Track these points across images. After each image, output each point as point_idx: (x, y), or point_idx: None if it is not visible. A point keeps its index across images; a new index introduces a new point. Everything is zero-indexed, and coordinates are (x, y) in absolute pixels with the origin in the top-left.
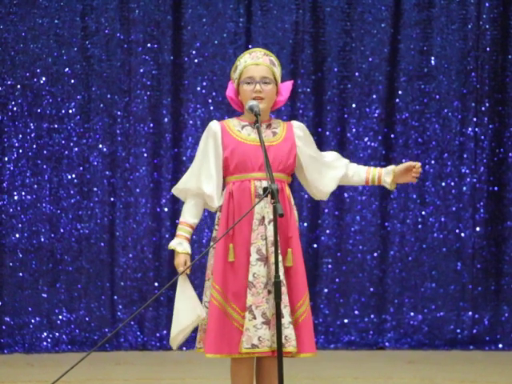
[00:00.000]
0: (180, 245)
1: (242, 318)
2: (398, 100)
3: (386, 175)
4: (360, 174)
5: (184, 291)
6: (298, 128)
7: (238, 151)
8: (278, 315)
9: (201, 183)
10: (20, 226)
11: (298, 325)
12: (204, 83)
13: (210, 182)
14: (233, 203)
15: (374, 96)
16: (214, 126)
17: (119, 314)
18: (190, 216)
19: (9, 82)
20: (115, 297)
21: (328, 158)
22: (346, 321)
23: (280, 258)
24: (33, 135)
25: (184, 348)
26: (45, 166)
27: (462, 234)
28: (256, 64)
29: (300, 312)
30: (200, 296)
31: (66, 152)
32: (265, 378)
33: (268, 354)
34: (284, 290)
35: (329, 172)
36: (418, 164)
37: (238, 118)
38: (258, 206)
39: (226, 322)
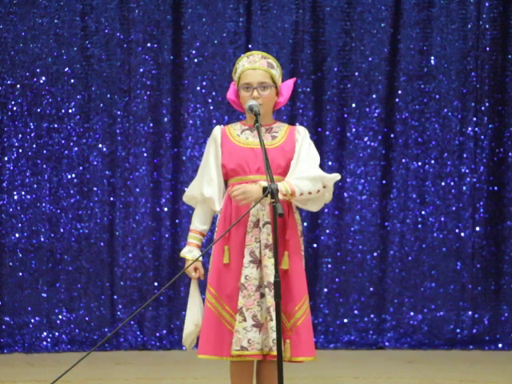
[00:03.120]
0: (190, 252)
1: (235, 320)
2: (397, 100)
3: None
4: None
5: (193, 296)
6: (299, 133)
7: (235, 156)
8: (278, 315)
9: (202, 188)
10: (20, 225)
11: (296, 329)
12: (204, 83)
13: (210, 186)
14: (231, 205)
15: (374, 96)
16: (216, 131)
17: (119, 313)
18: (198, 223)
19: (8, 82)
20: (115, 296)
21: (296, 169)
22: (345, 320)
23: (272, 260)
24: (33, 135)
25: (184, 348)
26: (44, 166)
27: (462, 234)
28: (253, 68)
29: (298, 316)
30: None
31: (66, 152)
32: (264, 380)
33: (258, 358)
34: None
35: (301, 167)
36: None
37: (241, 122)
38: (254, 209)
39: (218, 324)
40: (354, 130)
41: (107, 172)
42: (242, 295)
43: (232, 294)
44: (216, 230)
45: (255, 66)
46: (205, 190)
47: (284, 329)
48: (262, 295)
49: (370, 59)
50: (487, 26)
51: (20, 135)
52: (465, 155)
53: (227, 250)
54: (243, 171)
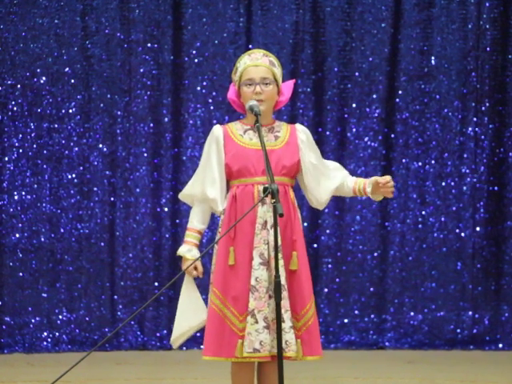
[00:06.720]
0: (189, 251)
1: (240, 321)
2: (398, 100)
3: (368, 186)
4: (349, 184)
5: (189, 294)
6: (302, 132)
7: (240, 156)
8: (278, 315)
9: (205, 188)
10: (20, 225)
11: (308, 328)
12: (204, 83)
13: (213, 186)
14: (235, 207)
15: (374, 96)
16: (217, 130)
17: (119, 313)
18: (197, 222)
19: (9, 82)
20: (115, 296)
21: (327, 168)
22: (346, 321)
23: (282, 261)
24: (33, 135)
25: (184, 348)
26: (45, 166)
27: (462, 234)
28: (255, 65)
29: (308, 316)
30: (207, 300)
31: (66, 152)
32: (266, 380)
33: (267, 359)
34: (285, 294)
35: (325, 182)
36: (385, 179)
37: (241, 121)
38: (261, 211)
39: (223, 325)
40: (354, 130)
41: (107, 172)
42: (253, 297)
43: (238, 295)
44: (219, 230)
45: (257, 63)
46: (208, 190)
47: (293, 328)
48: (271, 296)
49: (371, 59)
50: (487, 26)
51: (20, 135)
52: (465, 155)
53: (232, 251)
54: (249, 173)
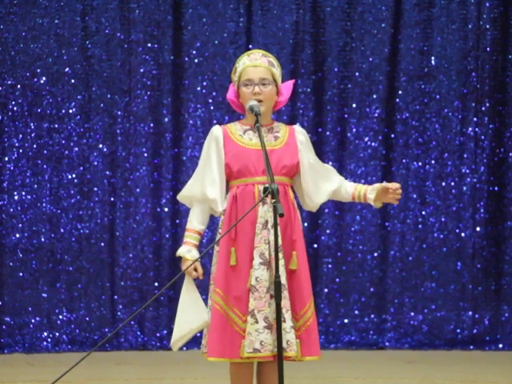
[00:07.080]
0: (189, 252)
1: (243, 322)
2: (398, 100)
3: (371, 192)
4: (347, 189)
5: (189, 295)
6: (300, 133)
7: (240, 157)
8: (278, 315)
9: (205, 188)
10: (20, 225)
11: (307, 328)
12: (204, 83)
13: (213, 187)
14: (236, 207)
15: (375, 96)
16: (216, 130)
17: (119, 313)
18: (197, 222)
19: (9, 82)
20: (115, 297)
21: (326, 170)
22: (346, 321)
23: (282, 261)
24: (33, 135)
25: (184, 348)
26: (45, 166)
27: (462, 234)
28: (254, 66)
29: (307, 316)
30: (206, 300)
31: (67, 152)
32: (266, 380)
33: (269, 359)
34: (286, 294)
35: (323, 184)
36: (396, 186)
37: (240, 121)
38: (262, 210)
39: (227, 326)
40: (354, 130)
41: (107, 172)
42: (253, 297)
43: (240, 296)
44: (219, 231)
45: (256, 64)
46: (208, 191)
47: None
48: (272, 296)
49: (371, 59)
50: (488, 26)
51: (20, 135)
52: (465, 155)
53: (234, 251)
54: (249, 173)
